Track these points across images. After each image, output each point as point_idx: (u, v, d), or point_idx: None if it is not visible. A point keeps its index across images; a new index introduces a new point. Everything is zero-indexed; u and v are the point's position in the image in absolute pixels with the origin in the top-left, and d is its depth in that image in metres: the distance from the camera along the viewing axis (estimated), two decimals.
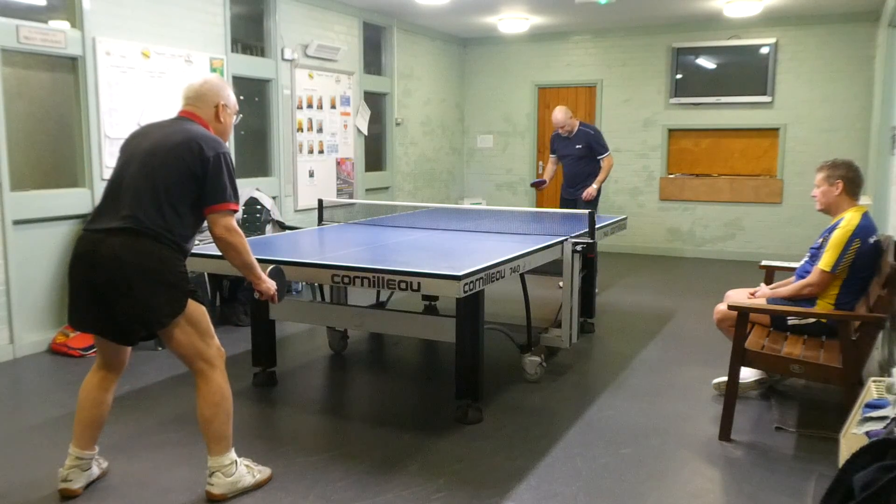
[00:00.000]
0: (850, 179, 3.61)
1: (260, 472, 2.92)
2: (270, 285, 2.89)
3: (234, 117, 2.97)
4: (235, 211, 2.74)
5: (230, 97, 2.92)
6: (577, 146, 6.46)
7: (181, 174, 2.63)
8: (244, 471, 2.85)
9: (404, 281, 3.14)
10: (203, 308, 2.76)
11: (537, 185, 6.77)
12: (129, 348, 2.85)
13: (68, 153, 4.99)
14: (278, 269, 3.02)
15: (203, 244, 4.92)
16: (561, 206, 6.53)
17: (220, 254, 3.12)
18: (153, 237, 2.60)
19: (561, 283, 6.22)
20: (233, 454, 2.83)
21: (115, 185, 2.69)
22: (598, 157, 6.43)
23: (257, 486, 2.88)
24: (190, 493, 2.84)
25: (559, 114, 6.47)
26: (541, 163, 9.54)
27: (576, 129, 6.47)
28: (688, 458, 3.18)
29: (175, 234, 2.65)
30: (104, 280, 2.60)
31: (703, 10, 7.67)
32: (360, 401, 4.06)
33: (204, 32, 5.79)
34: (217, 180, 2.66)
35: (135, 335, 2.69)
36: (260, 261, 3.53)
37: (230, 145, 6.07)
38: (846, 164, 3.65)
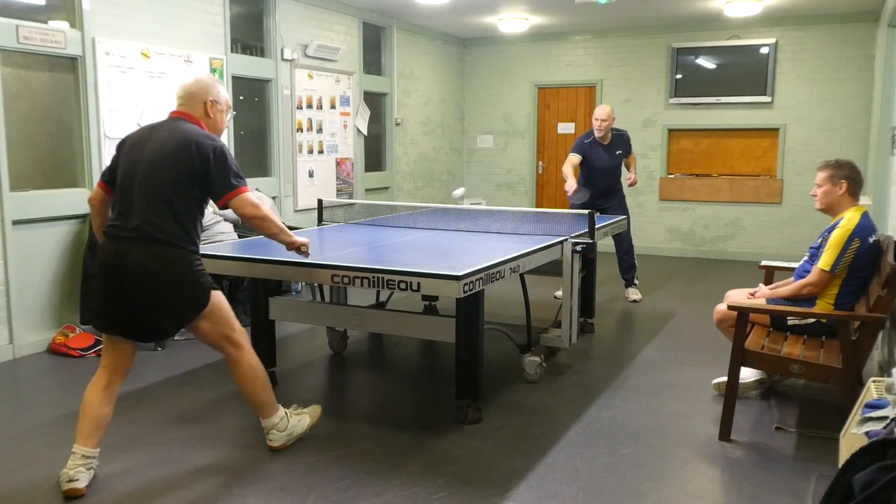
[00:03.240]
0: (853, 180, 3.61)
1: (310, 416, 3.28)
2: (304, 239, 3.17)
3: (227, 114, 3.09)
4: (248, 190, 2.88)
5: (220, 94, 3.03)
6: (618, 152, 6.10)
7: (185, 177, 2.79)
8: (295, 420, 3.20)
9: (404, 281, 3.14)
10: (221, 295, 2.96)
11: (581, 196, 5.99)
12: (135, 353, 2.98)
13: (68, 153, 4.99)
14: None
15: (203, 244, 4.92)
16: None
17: (218, 254, 3.26)
18: (171, 244, 2.77)
19: (557, 294, 6.26)
20: (281, 411, 3.14)
21: (126, 191, 2.82)
22: (628, 155, 6.24)
23: (312, 428, 3.27)
24: (190, 492, 2.84)
25: (604, 110, 5.99)
26: (541, 163, 9.54)
27: (610, 134, 6.10)
28: (688, 458, 3.18)
29: (189, 235, 2.83)
30: (133, 288, 2.77)
31: (703, 10, 7.68)
32: (360, 401, 4.06)
33: (204, 32, 5.79)
34: (224, 173, 2.82)
35: (166, 333, 3.00)
36: (262, 261, 3.56)
37: (230, 145, 6.07)
38: (850, 165, 3.65)
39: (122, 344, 2.91)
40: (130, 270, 2.75)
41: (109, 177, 2.94)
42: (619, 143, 6.15)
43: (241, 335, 3.01)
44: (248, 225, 2.96)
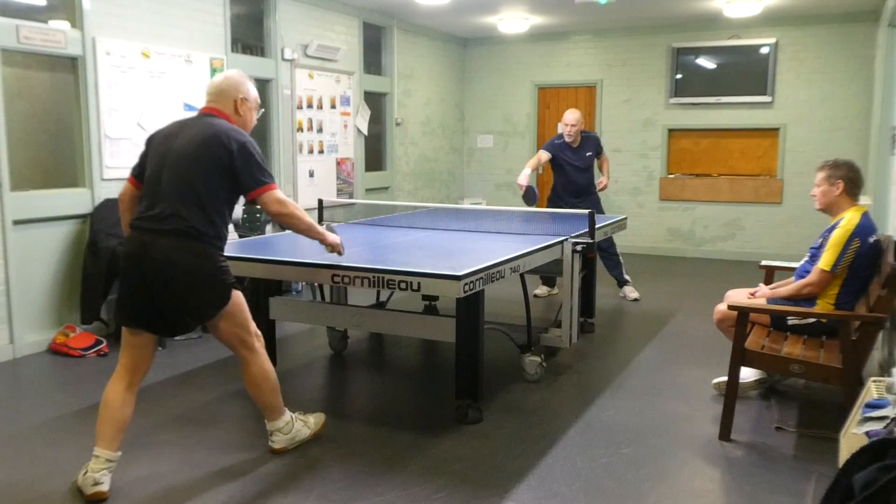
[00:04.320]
0: (850, 180, 3.61)
1: (315, 422, 3.28)
2: (335, 238, 3.20)
3: (256, 111, 3.11)
4: (275, 188, 2.89)
5: (249, 91, 3.05)
6: (588, 154, 6.17)
7: (213, 170, 2.80)
8: (300, 426, 3.20)
9: (404, 281, 3.14)
10: (241, 295, 2.97)
11: (530, 198, 5.96)
12: (155, 350, 3.00)
13: (68, 153, 4.99)
14: (329, 227, 3.38)
15: None
16: None
17: None
18: (197, 238, 2.77)
19: (537, 292, 6.24)
20: (287, 416, 3.16)
21: (154, 185, 2.83)
22: (599, 156, 6.35)
23: (315, 437, 3.25)
24: (189, 492, 2.84)
25: (574, 115, 6.05)
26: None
27: (579, 137, 6.16)
28: (688, 458, 3.18)
29: (217, 231, 2.84)
30: (157, 279, 2.76)
31: (703, 10, 7.67)
32: (360, 401, 4.06)
33: (204, 32, 5.79)
34: (249, 168, 2.83)
35: (187, 328, 2.93)
36: (262, 261, 3.57)
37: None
38: (847, 165, 3.65)
39: (143, 341, 2.89)
40: (155, 263, 2.74)
41: (139, 171, 2.94)
42: (589, 145, 6.22)
43: (256, 338, 3.03)
44: (278, 223, 3.01)
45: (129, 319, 2.87)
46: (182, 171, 2.78)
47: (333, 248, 3.19)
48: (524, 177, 5.90)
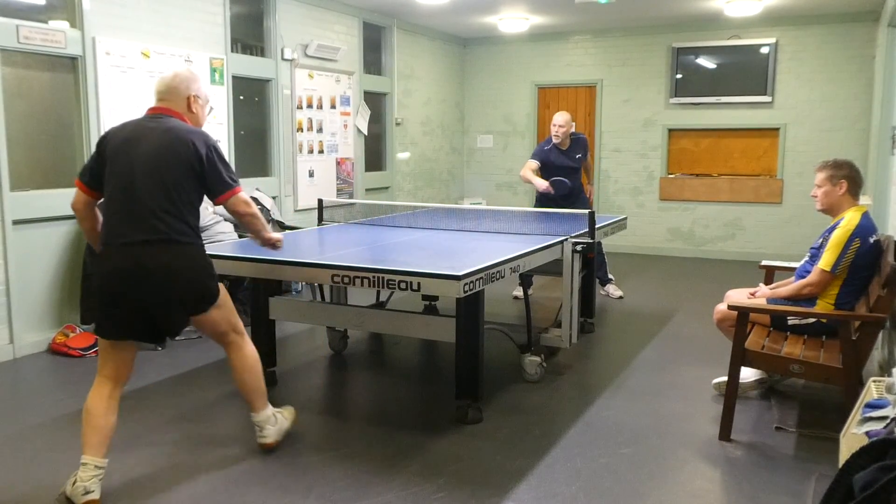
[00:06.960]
0: (853, 179, 3.61)
1: (289, 413, 3.33)
2: (280, 236, 3.28)
3: (207, 107, 3.06)
4: (241, 189, 2.92)
5: (200, 88, 3.00)
6: (578, 156, 6.13)
7: (187, 176, 2.79)
8: (281, 417, 3.23)
9: (404, 281, 3.14)
10: (223, 286, 3.01)
11: (560, 188, 6.01)
12: (135, 358, 2.94)
13: (68, 153, 4.99)
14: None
15: (206, 243, 4.90)
16: None
17: (218, 254, 3.31)
18: (187, 242, 2.80)
19: (516, 293, 6.19)
20: (270, 408, 3.18)
21: (125, 195, 2.75)
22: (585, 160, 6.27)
23: (294, 424, 3.31)
24: (190, 492, 2.84)
25: (563, 117, 6.05)
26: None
27: (569, 140, 6.13)
28: (688, 458, 3.18)
29: (196, 230, 2.87)
30: (155, 289, 2.75)
31: (703, 9, 7.67)
32: (360, 401, 4.06)
33: (204, 32, 5.79)
34: (217, 172, 2.83)
35: (179, 327, 2.92)
36: (262, 261, 3.56)
37: (229, 145, 6.07)
38: (848, 164, 3.65)
39: (125, 351, 2.85)
40: (151, 273, 2.71)
41: (90, 177, 2.86)
42: (578, 147, 6.16)
43: (242, 325, 3.09)
44: (240, 221, 3.00)
45: (115, 333, 2.81)
46: (157, 179, 2.74)
47: (277, 243, 3.20)
48: (540, 183, 5.96)
